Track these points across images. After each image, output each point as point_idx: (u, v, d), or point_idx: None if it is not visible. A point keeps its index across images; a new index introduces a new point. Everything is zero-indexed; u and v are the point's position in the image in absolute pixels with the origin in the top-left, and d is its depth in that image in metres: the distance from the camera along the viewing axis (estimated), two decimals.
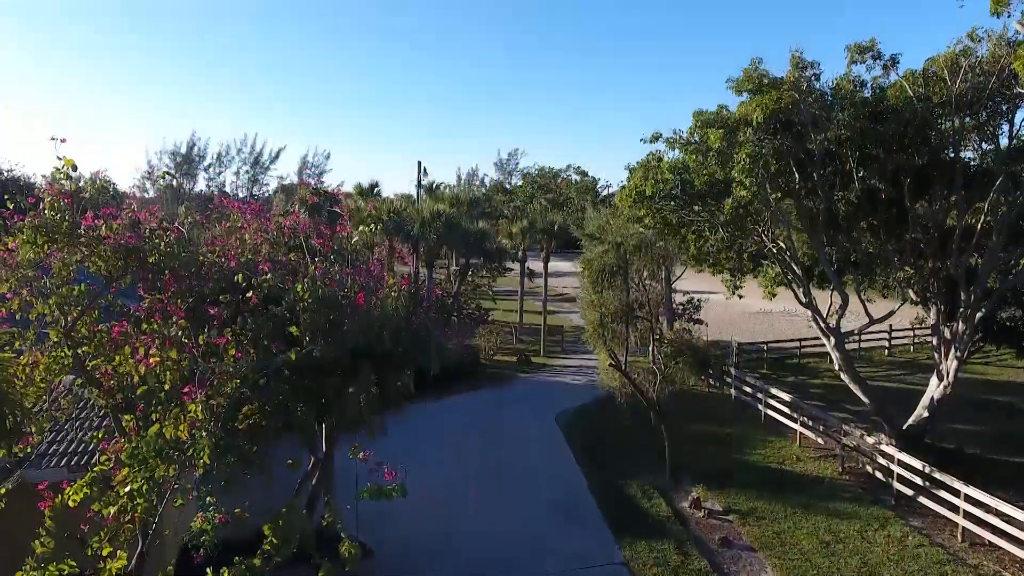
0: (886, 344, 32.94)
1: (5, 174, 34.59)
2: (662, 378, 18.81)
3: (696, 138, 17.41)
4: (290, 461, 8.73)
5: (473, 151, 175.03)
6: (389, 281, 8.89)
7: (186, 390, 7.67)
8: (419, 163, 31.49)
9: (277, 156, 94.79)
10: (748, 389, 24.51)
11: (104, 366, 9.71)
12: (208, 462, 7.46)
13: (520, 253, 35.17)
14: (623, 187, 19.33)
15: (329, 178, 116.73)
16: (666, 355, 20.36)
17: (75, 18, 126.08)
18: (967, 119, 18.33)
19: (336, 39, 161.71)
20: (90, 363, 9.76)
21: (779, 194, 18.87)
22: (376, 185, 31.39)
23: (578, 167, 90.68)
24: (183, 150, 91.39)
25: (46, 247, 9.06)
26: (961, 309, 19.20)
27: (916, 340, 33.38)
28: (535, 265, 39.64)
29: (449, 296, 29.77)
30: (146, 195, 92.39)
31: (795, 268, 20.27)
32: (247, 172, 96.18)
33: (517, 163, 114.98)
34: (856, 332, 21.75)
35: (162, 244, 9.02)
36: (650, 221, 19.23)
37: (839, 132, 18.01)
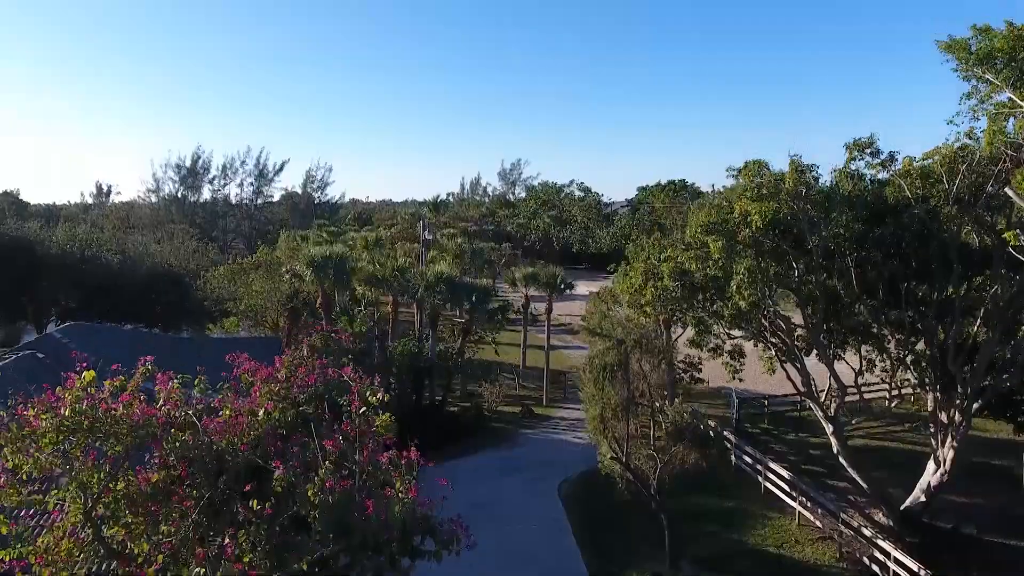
0: (886, 395, 33.15)
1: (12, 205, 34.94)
2: (662, 466, 19.11)
3: (697, 242, 17.67)
4: None
5: (475, 159, 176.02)
6: (398, 486, 9.22)
7: None
8: (423, 220, 31.83)
9: (281, 168, 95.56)
10: (748, 459, 24.79)
11: (120, 533, 10.16)
12: None
13: (524, 300, 35.71)
14: (627, 276, 19.60)
15: (332, 190, 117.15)
16: (667, 433, 20.69)
17: (80, 32, 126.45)
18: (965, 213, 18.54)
19: (339, 49, 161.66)
20: (108, 531, 10.22)
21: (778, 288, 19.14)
22: (380, 239, 31.83)
23: (581, 183, 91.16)
24: (187, 163, 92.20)
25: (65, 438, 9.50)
26: (958, 402, 19.46)
27: (916, 393, 33.56)
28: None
29: (452, 353, 30.16)
30: (151, 201, 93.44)
31: (794, 352, 20.56)
32: (251, 184, 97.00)
33: (520, 173, 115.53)
34: (853, 422, 22.16)
35: (177, 443, 9.46)
36: (650, 311, 19.55)
37: (838, 231, 18.23)
